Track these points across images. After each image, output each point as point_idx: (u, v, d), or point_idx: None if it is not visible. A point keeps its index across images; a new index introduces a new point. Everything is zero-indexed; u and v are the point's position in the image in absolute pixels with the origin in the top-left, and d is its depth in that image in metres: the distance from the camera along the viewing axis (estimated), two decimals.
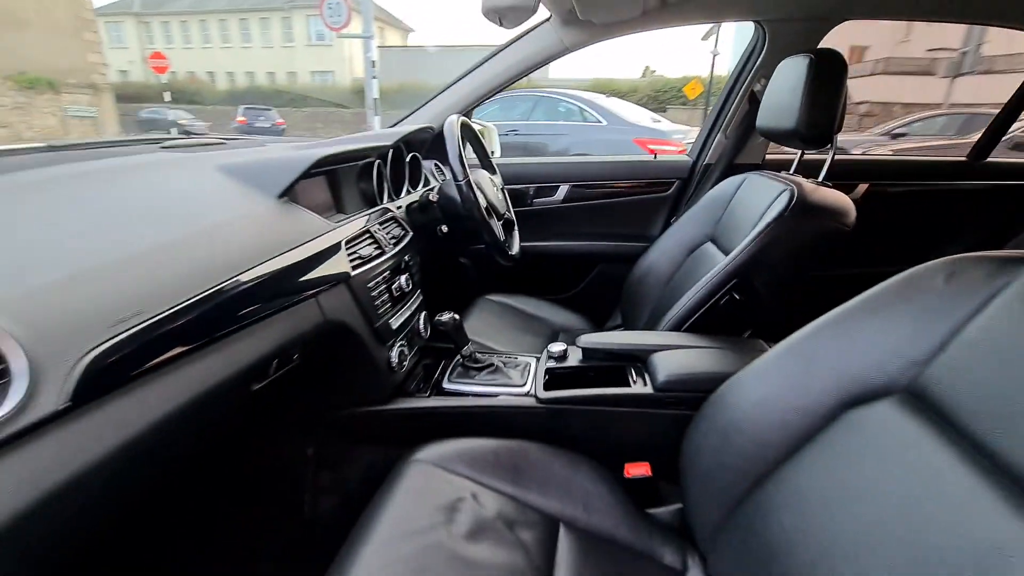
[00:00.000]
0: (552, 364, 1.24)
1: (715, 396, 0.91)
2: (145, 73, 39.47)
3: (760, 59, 1.90)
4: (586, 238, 2.11)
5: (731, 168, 1.97)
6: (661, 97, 21.00)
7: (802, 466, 0.71)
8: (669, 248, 1.65)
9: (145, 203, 0.81)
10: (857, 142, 10.00)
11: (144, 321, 0.61)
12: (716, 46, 11.18)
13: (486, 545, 0.80)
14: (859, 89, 22.31)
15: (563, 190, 2.11)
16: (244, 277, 0.76)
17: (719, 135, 2.03)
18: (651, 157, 2.20)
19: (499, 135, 2.07)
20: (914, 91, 20.49)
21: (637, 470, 1.10)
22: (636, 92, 21.64)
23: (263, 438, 1.23)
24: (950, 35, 23.59)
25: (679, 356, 1.15)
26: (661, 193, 2.09)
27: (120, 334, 0.58)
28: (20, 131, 14.05)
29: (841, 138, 1.34)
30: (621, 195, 2.10)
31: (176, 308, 0.65)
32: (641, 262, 1.74)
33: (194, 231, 0.78)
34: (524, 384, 1.20)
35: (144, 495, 0.78)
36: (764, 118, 1.45)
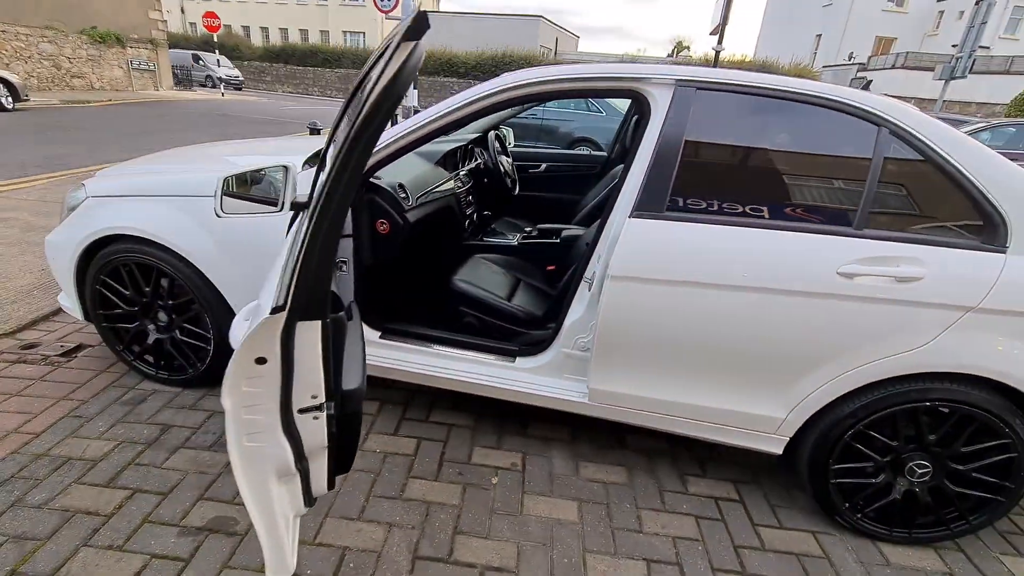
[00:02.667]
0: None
1: None
2: (183, 24, 40.72)
3: None
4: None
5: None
6: None
7: None
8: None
9: None
10: None
11: None
12: (721, 43, 12.10)
13: None
14: (881, 82, 22.69)
15: (543, 166, 3.53)
16: None
17: None
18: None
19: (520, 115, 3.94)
20: (934, 87, 20.87)
21: None
22: None
23: None
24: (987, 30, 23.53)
25: None
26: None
27: None
28: (92, 81, 15.54)
29: None
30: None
31: None
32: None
33: None
34: None
35: None
36: None
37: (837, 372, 1.56)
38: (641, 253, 1.58)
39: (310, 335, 0.85)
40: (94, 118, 10.30)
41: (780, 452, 1.75)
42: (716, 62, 12.50)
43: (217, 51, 19.39)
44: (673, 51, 46.31)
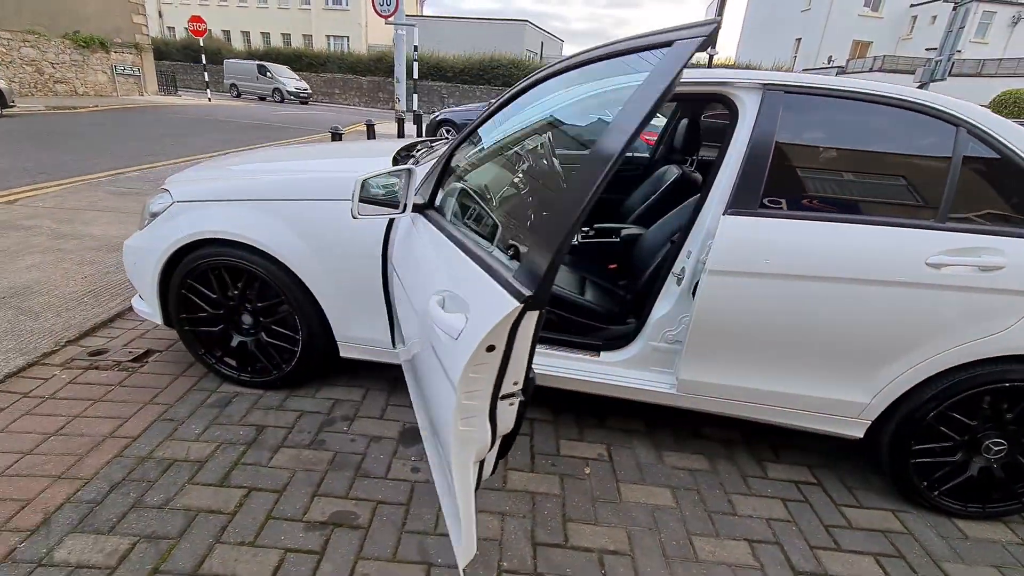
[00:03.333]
0: None
1: None
2: (162, 28, 40.01)
3: None
4: None
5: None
6: None
7: None
8: None
9: None
10: None
11: None
12: (715, 46, 12.34)
13: None
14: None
15: None
16: None
17: None
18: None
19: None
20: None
21: None
22: None
23: None
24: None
25: None
26: None
27: None
28: (75, 86, 15.21)
29: None
30: None
31: None
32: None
33: None
34: None
35: None
36: None
37: (922, 358, 1.67)
38: (738, 248, 1.67)
39: (531, 324, 0.91)
40: (86, 124, 10.11)
41: (861, 436, 1.85)
42: (710, 64, 12.76)
43: (204, 57, 19.13)
44: None
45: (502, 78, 24.43)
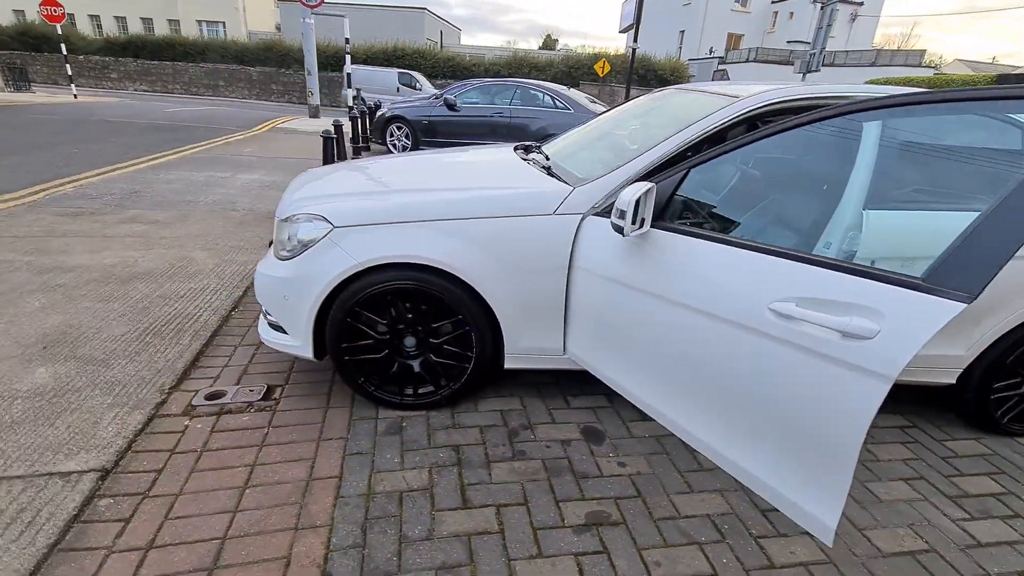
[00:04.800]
0: None
1: None
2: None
3: None
4: None
5: None
6: (574, 73, 22.90)
7: None
8: None
9: None
10: None
11: None
12: (636, 40, 13.19)
13: None
14: (737, 73, 26.00)
15: None
16: None
17: None
18: None
19: (485, 116, 5.90)
20: (779, 78, 24.53)
21: None
22: (552, 66, 23.34)
23: None
24: (810, 29, 28.06)
25: None
26: None
27: None
28: None
29: None
30: None
31: None
32: None
33: None
34: None
35: None
36: None
37: (1010, 314, 2.11)
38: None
39: None
40: None
41: (953, 382, 2.29)
42: (632, 59, 13.62)
43: (64, 46, 16.42)
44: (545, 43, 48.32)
45: (409, 67, 23.85)
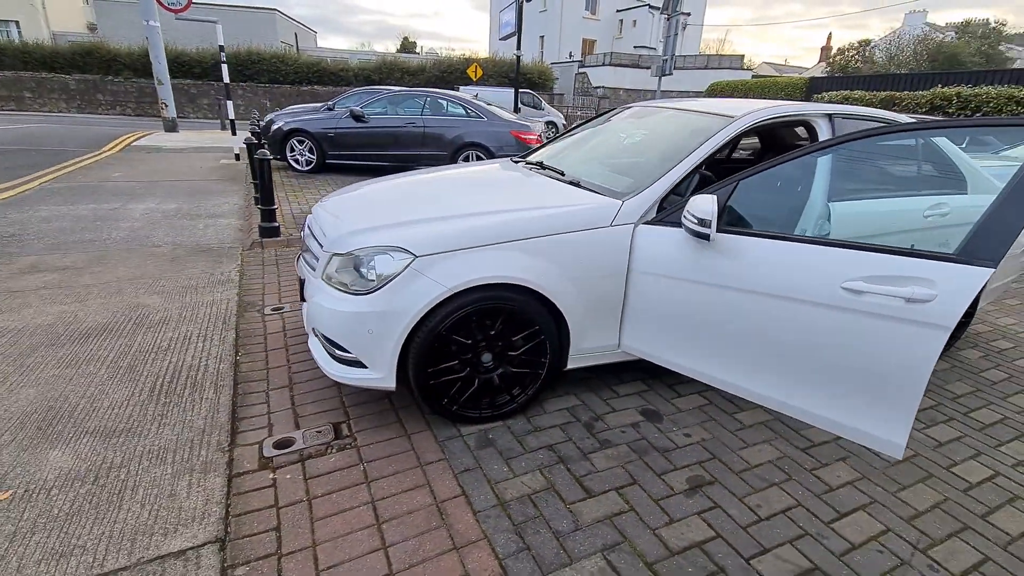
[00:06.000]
0: None
1: None
2: None
3: None
4: None
5: None
6: (447, 77, 23.07)
7: None
8: None
9: None
10: None
11: None
12: (519, 47, 13.78)
13: None
14: (596, 76, 28.19)
15: None
16: None
17: None
18: None
19: (398, 127, 6.65)
20: (633, 80, 27.18)
21: None
22: (425, 71, 23.29)
23: None
24: (651, 35, 31.30)
25: None
26: None
27: None
28: None
29: None
30: None
31: None
32: None
33: None
34: None
35: None
36: None
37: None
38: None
39: None
40: None
41: None
42: (518, 66, 14.14)
43: None
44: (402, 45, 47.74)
45: (267, 74, 22.15)
